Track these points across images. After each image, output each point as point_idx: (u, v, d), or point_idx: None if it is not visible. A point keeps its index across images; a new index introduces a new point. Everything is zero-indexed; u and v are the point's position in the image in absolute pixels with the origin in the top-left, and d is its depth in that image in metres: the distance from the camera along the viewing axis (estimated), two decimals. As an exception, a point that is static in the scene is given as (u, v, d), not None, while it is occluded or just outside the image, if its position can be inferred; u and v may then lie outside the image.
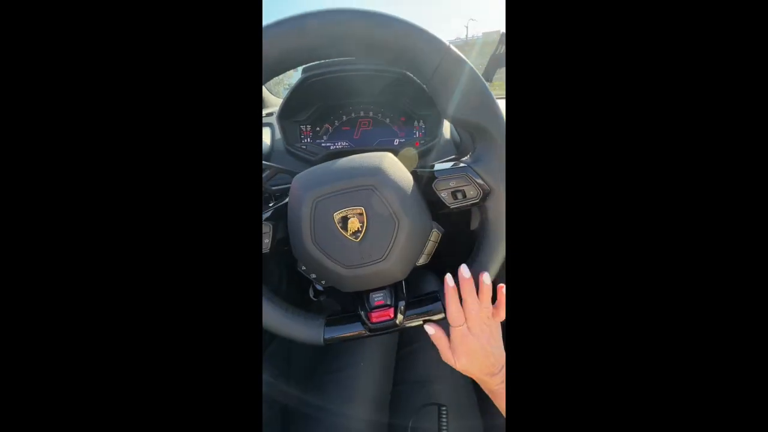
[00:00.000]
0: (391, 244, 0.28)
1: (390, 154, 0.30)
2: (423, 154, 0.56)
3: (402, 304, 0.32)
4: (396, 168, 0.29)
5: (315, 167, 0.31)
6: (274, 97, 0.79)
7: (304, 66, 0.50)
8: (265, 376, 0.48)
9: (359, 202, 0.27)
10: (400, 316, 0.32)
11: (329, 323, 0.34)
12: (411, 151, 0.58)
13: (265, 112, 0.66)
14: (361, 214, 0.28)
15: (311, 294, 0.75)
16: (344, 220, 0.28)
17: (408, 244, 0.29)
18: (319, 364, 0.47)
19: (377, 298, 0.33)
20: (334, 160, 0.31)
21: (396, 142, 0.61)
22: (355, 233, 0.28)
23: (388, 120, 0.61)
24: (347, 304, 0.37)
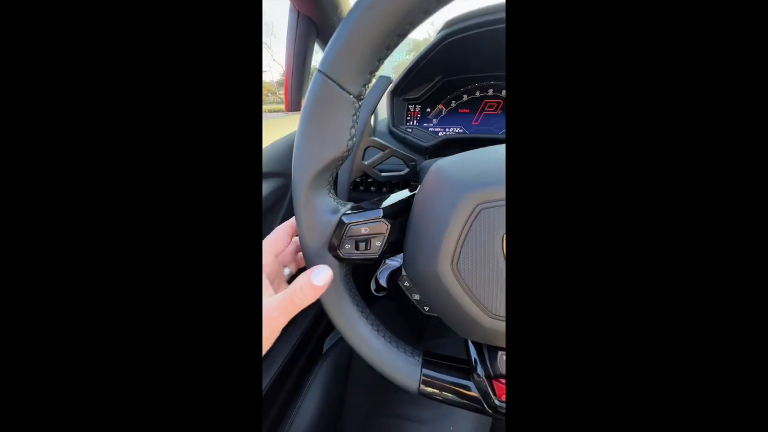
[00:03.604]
0: None
1: None
2: None
3: None
4: None
5: (474, 153, 0.21)
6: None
7: (445, 22, 0.40)
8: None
9: None
10: None
11: (428, 365, 0.25)
12: None
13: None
14: None
15: (372, 287, 0.67)
16: (518, 247, 0.17)
17: None
18: (388, 407, 0.38)
19: None
20: (498, 146, 0.20)
21: None
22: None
23: None
24: (414, 315, 0.27)
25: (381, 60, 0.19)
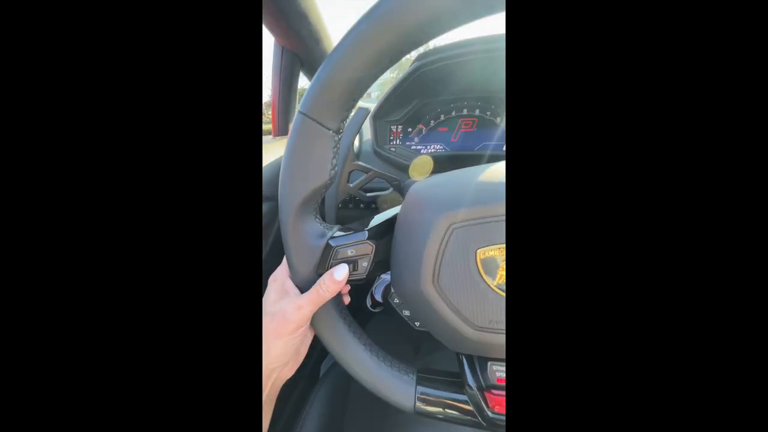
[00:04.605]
0: None
1: None
2: None
3: None
4: None
5: (446, 176, 0.23)
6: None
7: (418, 54, 0.43)
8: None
9: None
10: None
11: (423, 382, 0.25)
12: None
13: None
14: None
15: (368, 304, 0.67)
16: (491, 262, 0.19)
17: None
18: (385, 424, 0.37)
19: (500, 372, 0.23)
20: (473, 168, 0.22)
21: (506, 147, 0.49)
22: (504, 284, 0.19)
23: (498, 119, 0.49)
24: (411, 329, 0.28)
25: (356, 100, 0.20)
